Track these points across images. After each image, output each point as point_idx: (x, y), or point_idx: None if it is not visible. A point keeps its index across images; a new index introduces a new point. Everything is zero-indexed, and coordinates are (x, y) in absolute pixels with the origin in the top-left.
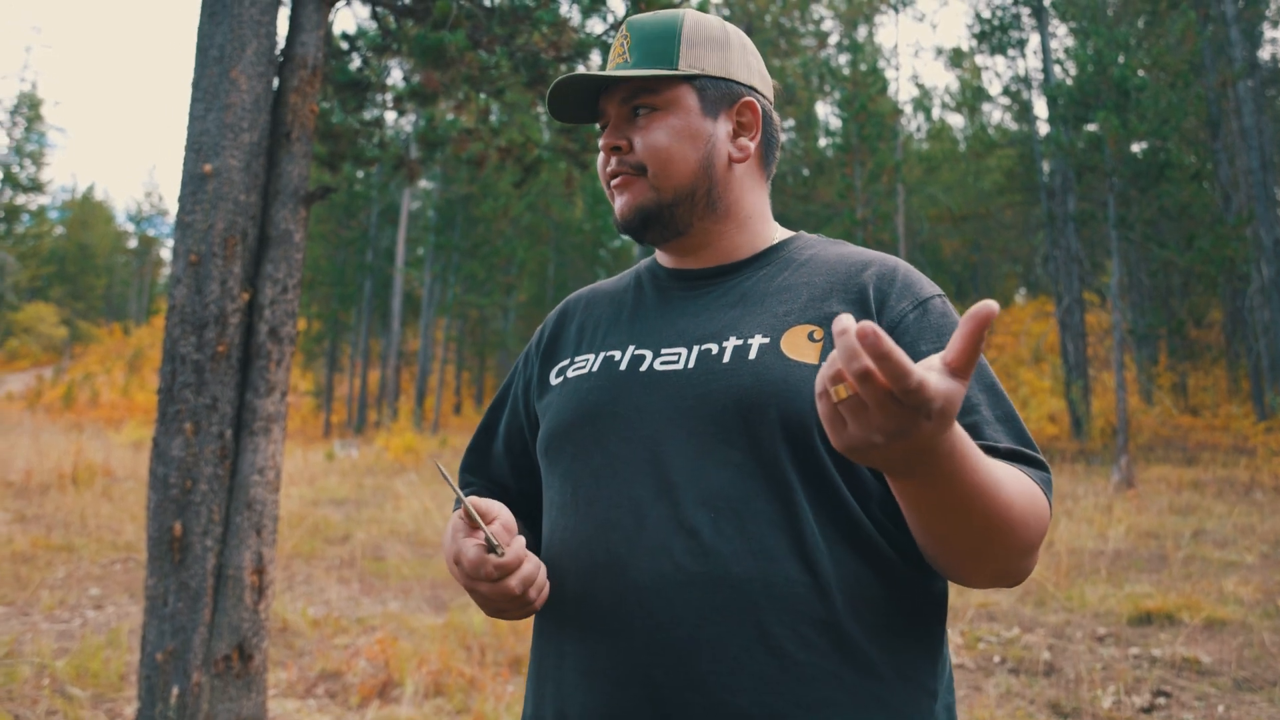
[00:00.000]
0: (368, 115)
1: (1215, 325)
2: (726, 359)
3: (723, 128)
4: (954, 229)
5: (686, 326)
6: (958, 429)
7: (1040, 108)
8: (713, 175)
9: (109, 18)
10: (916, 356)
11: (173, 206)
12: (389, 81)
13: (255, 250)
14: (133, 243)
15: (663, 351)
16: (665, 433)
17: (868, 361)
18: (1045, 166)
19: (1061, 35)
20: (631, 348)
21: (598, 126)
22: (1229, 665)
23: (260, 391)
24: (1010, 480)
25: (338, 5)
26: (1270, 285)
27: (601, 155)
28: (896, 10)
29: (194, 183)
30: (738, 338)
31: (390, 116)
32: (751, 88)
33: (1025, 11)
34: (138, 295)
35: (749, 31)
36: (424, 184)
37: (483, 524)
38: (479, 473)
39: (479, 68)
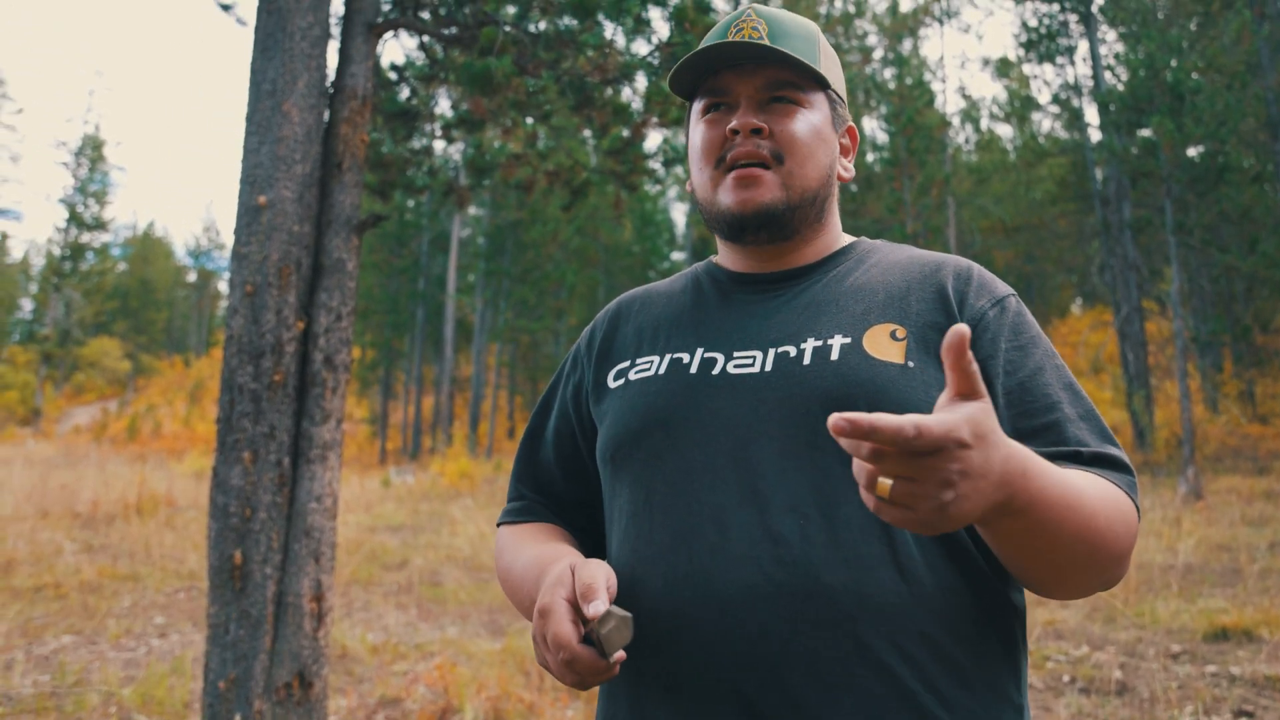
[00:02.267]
0: (417, 144)
1: None
2: (807, 360)
3: (837, 144)
4: (1006, 240)
5: (758, 329)
6: (1024, 456)
7: (1091, 115)
8: (830, 186)
9: (164, 57)
10: (999, 353)
11: (229, 240)
12: (437, 110)
13: (309, 279)
14: (192, 276)
15: (735, 354)
16: (745, 437)
17: (869, 445)
18: (1098, 174)
19: (1111, 41)
20: (701, 350)
21: (697, 105)
22: None
23: (316, 419)
24: (1092, 491)
25: (386, 37)
26: None
27: (711, 132)
28: (941, 22)
29: (249, 214)
30: (816, 339)
31: (439, 145)
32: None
33: (1073, 18)
34: (197, 328)
35: None
36: (473, 210)
37: (600, 639)
38: (528, 482)
39: (526, 93)
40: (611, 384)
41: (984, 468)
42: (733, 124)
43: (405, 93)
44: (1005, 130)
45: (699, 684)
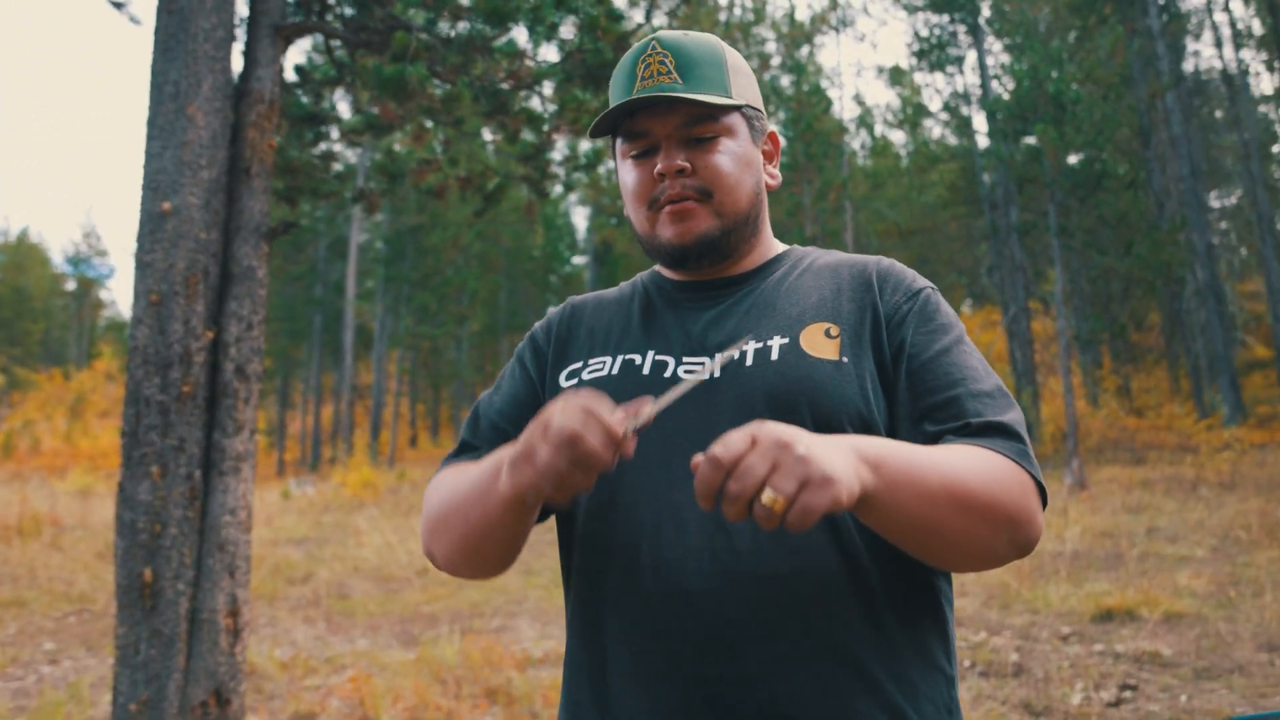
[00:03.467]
0: (321, 149)
1: (1154, 328)
2: (749, 362)
3: (760, 158)
4: (901, 243)
5: (704, 335)
6: (876, 443)
7: (980, 122)
8: (760, 202)
9: (35, 55)
10: (907, 337)
11: (112, 247)
12: (342, 115)
13: (218, 288)
14: (71, 285)
15: (685, 359)
16: (698, 436)
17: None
18: (986, 179)
19: (997, 51)
20: (652, 353)
21: (620, 145)
22: (1189, 656)
23: (229, 431)
24: (965, 461)
25: (294, 40)
26: (1205, 288)
27: (640, 174)
28: (838, 31)
29: (152, 221)
30: (756, 341)
31: (344, 149)
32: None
33: (962, 29)
34: (77, 339)
35: None
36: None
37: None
38: (478, 427)
39: (440, 100)
40: (564, 383)
41: (817, 447)
42: (657, 167)
43: (307, 97)
44: (898, 136)
45: (664, 671)
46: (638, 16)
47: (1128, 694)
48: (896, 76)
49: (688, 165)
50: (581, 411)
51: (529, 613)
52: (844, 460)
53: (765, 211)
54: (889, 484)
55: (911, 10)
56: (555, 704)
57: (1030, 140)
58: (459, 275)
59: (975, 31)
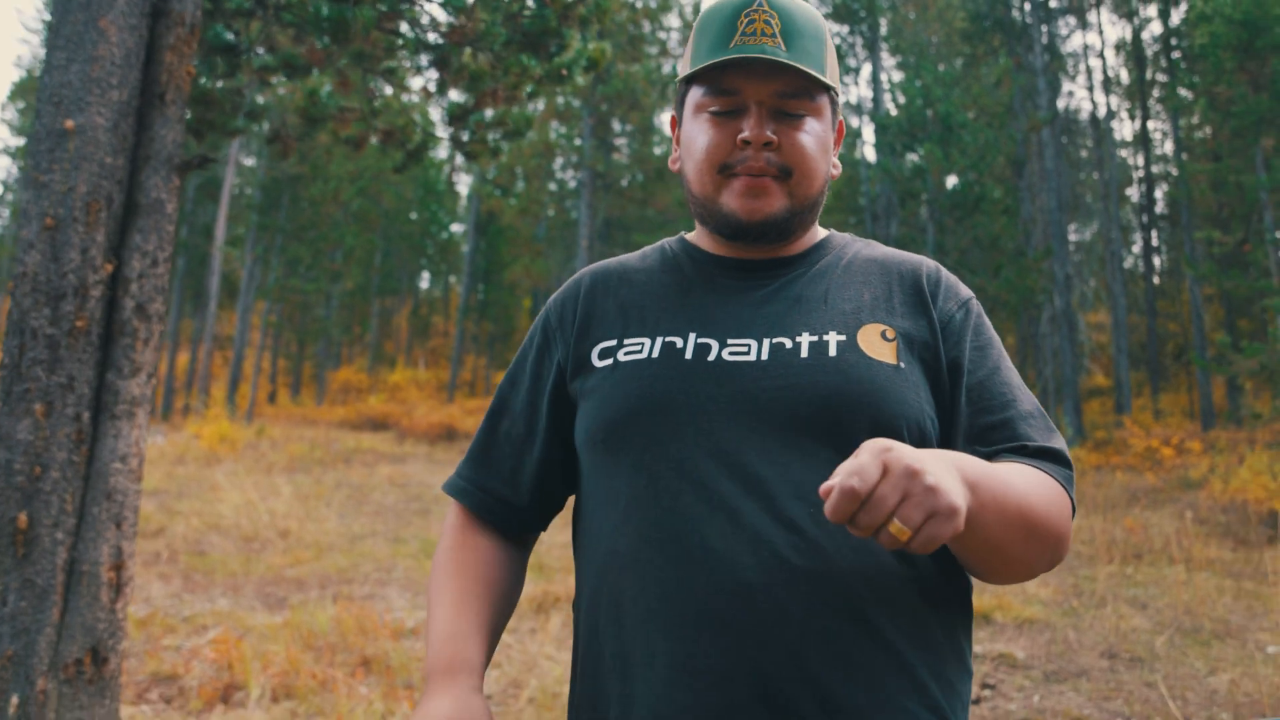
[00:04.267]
0: (235, 83)
1: (1011, 350)
2: (804, 354)
3: (833, 142)
4: None
5: (750, 318)
6: (972, 463)
7: (869, 134)
8: (826, 189)
9: None
10: (964, 352)
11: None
12: (259, 50)
13: (121, 219)
14: None
15: (729, 341)
16: (744, 425)
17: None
18: (869, 190)
19: (890, 67)
20: (694, 335)
21: (698, 94)
22: (1040, 659)
23: (124, 372)
24: (1032, 485)
25: None
26: (1060, 316)
27: (719, 135)
28: None
29: (52, 139)
30: (811, 334)
31: (255, 86)
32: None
33: (859, 42)
34: None
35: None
36: (247, 161)
37: None
38: (481, 464)
39: (383, 47)
40: (598, 362)
41: (944, 477)
42: (744, 134)
43: (220, 24)
44: None
45: (717, 666)
46: None
47: (987, 692)
48: None
49: (775, 139)
50: None
51: (398, 582)
52: (958, 485)
53: (824, 200)
54: (980, 505)
55: None
56: None
57: (915, 158)
58: (336, 231)
59: (872, 46)
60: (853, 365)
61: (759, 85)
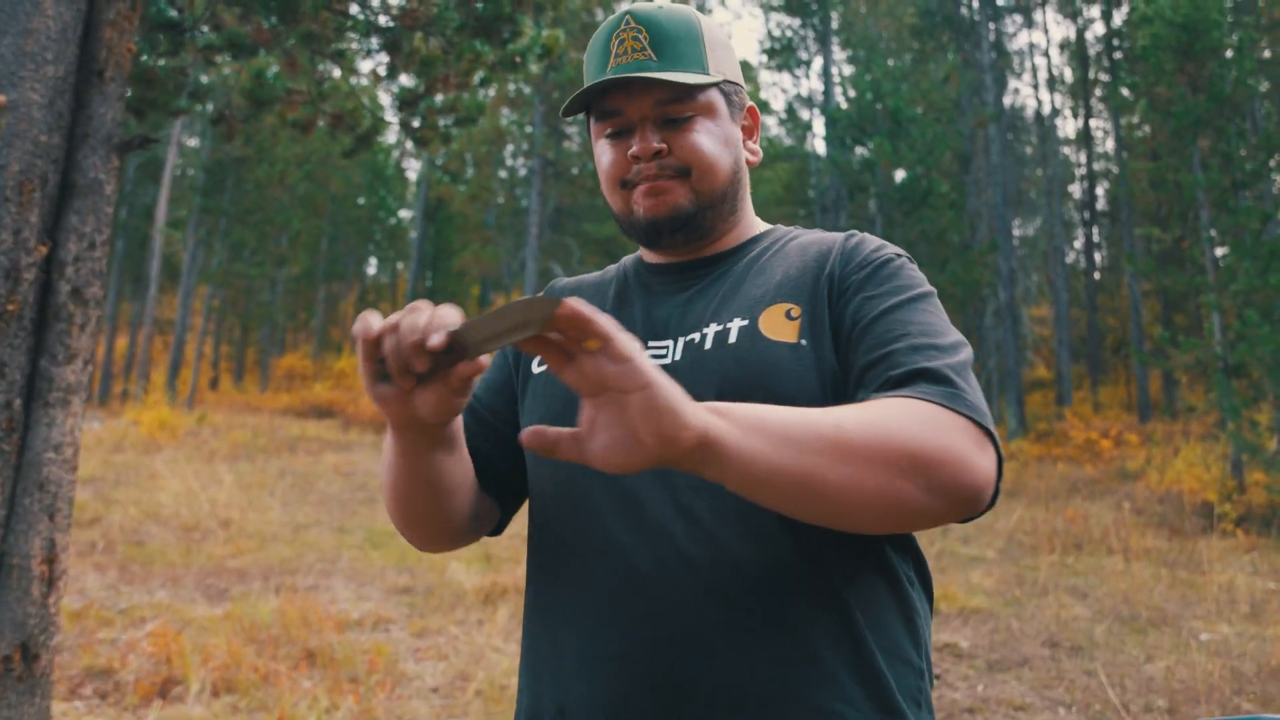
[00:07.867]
0: (175, 61)
1: None
2: (709, 346)
3: (739, 135)
4: None
5: (670, 319)
6: (719, 405)
7: (819, 126)
8: (739, 180)
9: None
10: (850, 308)
11: None
12: (203, 28)
13: (56, 199)
14: None
15: (650, 344)
16: None
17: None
18: (819, 183)
19: (840, 61)
20: None
21: (594, 124)
22: (983, 649)
23: (59, 359)
24: (851, 410)
25: None
26: (1004, 309)
27: (615, 155)
28: None
29: None
30: (718, 324)
31: (204, 66)
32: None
33: (811, 35)
34: None
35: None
36: (190, 142)
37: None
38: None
39: (332, 28)
40: (535, 369)
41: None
42: (632, 149)
43: (164, 2)
44: None
45: (617, 655)
46: None
47: (934, 681)
48: (744, 72)
49: (664, 147)
50: (371, 319)
51: (343, 572)
52: (683, 395)
53: (746, 190)
54: (743, 429)
55: (767, 9)
56: (379, 669)
57: (865, 151)
58: (282, 215)
59: (824, 39)
60: (747, 350)
61: (638, 101)
